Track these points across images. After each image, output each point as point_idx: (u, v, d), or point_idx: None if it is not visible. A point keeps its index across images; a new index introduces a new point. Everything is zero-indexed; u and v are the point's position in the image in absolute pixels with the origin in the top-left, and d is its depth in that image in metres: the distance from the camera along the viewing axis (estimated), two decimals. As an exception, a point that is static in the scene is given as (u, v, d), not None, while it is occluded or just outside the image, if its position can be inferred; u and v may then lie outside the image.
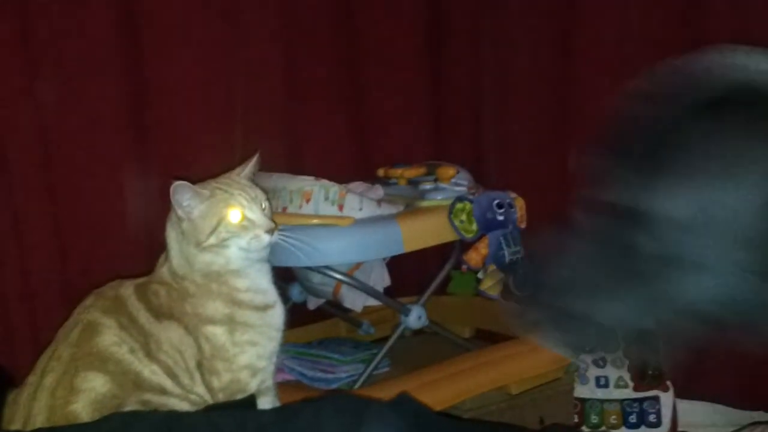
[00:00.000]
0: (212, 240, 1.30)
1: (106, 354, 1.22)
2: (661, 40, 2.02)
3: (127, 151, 1.76)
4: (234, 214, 1.31)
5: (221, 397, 1.28)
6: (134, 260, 1.71)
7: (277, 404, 1.30)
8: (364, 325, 2.05)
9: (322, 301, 1.94)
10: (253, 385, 1.30)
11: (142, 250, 1.76)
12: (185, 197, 1.30)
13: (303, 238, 1.41)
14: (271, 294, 1.38)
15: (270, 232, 1.33)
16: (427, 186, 1.82)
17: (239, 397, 1.28)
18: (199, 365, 1.28)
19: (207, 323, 1.30)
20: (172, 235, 1.35)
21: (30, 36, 1.62)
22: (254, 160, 1.43)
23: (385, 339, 1.80)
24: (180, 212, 1.31)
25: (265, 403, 1.31)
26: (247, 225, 1.32)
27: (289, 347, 1.55)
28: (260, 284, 1.36)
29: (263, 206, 1.36)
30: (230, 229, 1.30)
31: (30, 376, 1.25)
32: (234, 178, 1.38)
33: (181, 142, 1.80)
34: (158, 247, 1.52)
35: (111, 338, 1.23)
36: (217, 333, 1.30)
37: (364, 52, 2.15)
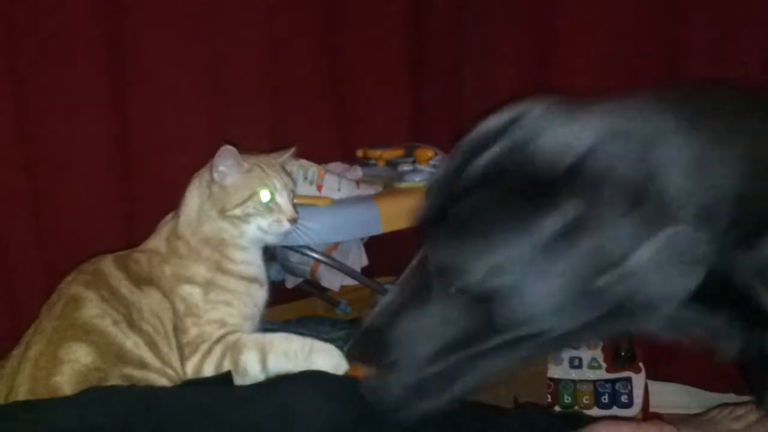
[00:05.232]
0: (237, 211, 1.34)
1: (89, 326, 1.23)
2: (641, 44, 2.06)
3: (108, 129, 1.75)
4: (265, 195, 1.36)
5: (186, 353, 1.29)
6: (115, 237, 1.71)
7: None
8: (342, 305, 2.06)
9: (300, 280, 1.95)
10: (218, 335, 1.30)
11: (123, 227, 1.76)
12: (226, 163, 1.34)
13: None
14: (262, 272, 1.42)
15: (292, 221, 1.37)
16: (406, 167, 1.83)
17: (202, 347, 1.29)
18: (176, 329, 1.30)
19: (184, 283, 1.32)
20: (194, 192, 1.38)
21: (9, 14, 1.61)
22: (292, 150, 1.49)
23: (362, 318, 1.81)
24: (215, 175, 1.35)
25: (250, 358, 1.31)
26: (273, 208, 1.36)
27: (266, 325, 1.56)
28: (255, 260, 1.40)
29: (291, 196, 1.40)
30: (258, 207, 1.35)
31: (14, 349, 1.26)
32: (272, 162, 1.42)
33: (164, 120, 1.80)
34: (141, 225, 1.53)
35: (94, 311, 1.24)
36: (194, 293, 1.32)
37: (345, 34, 2.14)
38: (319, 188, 1.66)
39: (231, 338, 1.30)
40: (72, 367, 1.19)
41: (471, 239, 0.88)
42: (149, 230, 1.42)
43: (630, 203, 0.81)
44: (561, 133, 0.87)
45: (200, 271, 1.33)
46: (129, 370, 1.22)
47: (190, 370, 1.28)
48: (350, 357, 1.04)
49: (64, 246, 1.69)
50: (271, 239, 1.39)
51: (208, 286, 1.33)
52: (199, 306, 1.32)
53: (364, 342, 1.00)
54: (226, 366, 1.28)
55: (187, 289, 1.32)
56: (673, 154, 0.83)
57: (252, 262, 1.39)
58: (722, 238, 0.83)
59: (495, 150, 0.89)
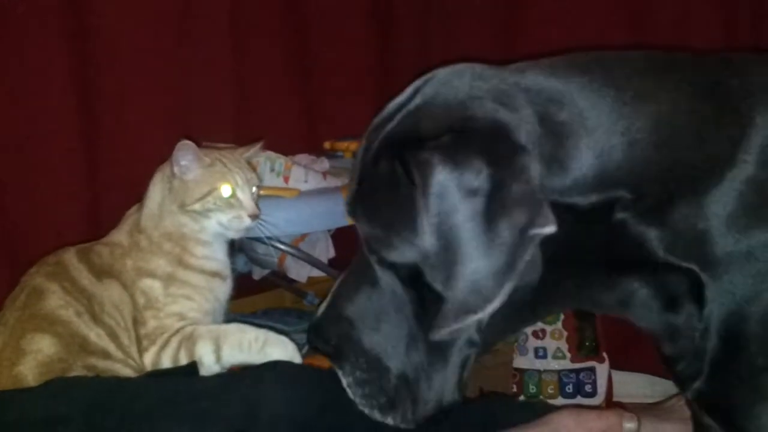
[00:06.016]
0: (197, 206, 1.33)
1: (53, 316, 1.22)
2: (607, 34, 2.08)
3: (72, 121, 1.74)
4: (225, 190, 1.35)
5: (145, 344, 1.29)
6: (80, 229, 1.70)
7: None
8: (309, 296, 2.07)
9: (267, 271, 1.95)
10: (176, 327, 1.30)
11: (87, 220, 1.75)
12: (186, 157, 1.33)
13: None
14: (225, 267, 1.41)
15: (253, 217, 1.36)
16: (373, 159, 1.84)
17: (160, 340, 1.29)
18: (135, 321, 1.30)
19: (145, 276, 1.32)
20: (157, 186, 1.37)
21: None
22: (258, 145, 1.48)
23: (330, 310, 1.81)
24: (176, 169, 1.34)
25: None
26: (234, 204, 1.35)
27: (233, 317, 1.57)
28: (218, 255, 1.40)
29: (253, 191, 1.39)
30: (218, 203, 1.34)
31: None
32: (236, 156, 1.41)
33: (128, 111, 1.79)
34: (105, 217, 1.52)
35: (57, 302, 1.24)
36: (154, 286, 1.32)
37: (312, 26, 2.15)
38: (286, 180, 1.67)
39: (187, 330, 1.30)
40: (35, 358, 1.18)
41: (376, 211, 0.89)
42: (113, 223, 1.42)
43: (524, 162, 0.79)
44: (452, 93, 0.86)
45: (161, 264, 1.33)
46: (93, 361, 1.22)
47: (147, 361, 1.29)
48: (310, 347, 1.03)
49: (28, 239, 1.68)
50: (232, 234, 1.39)
51: (168, 280, 1.33)
52: (159, 299, 1.32)
53: (316, 332, 1.01)
54: (182, 357, 1.28)
55: (147, 283, 1.32)
56: (577, 116, 0.83)
57: (214, 257, 1.38)
58: (627, 208, 0.84)
59: (394, 121, 0.89)
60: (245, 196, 1.37)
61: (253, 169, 1.45)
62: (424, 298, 0.88)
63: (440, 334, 0.82)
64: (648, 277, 0.89)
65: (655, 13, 2.11)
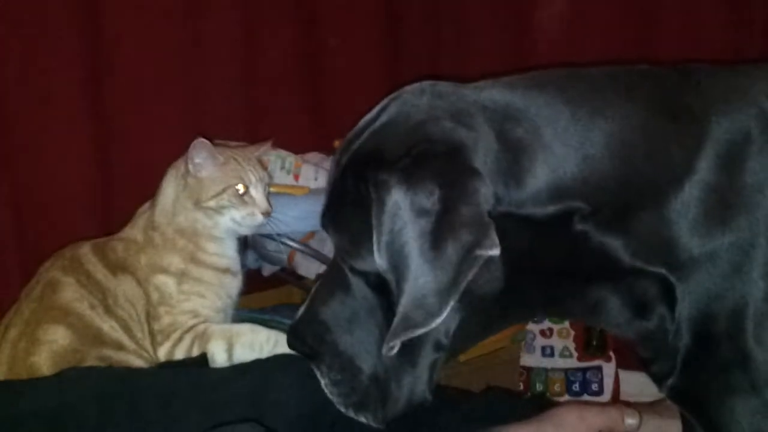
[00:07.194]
0: (212, 203, 1.36)
1: (67, 309, 1.25)
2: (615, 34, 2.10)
3: (85, 118, 1.76)
4: (240, 187, 1.37)
5: (159, 339, 1.32)
6: (93, 224, 1.73)
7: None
8: (318, 293, 2.08)
9: (276, 268, 1.97)
10: (189, 324, 1.33)
11: (100, 215, 1.78)
12: (201, 155, 1.36)
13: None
14: (235, 263, 1.44)
15: (265, 214, 1.40)
16: (382, 158, 1.85)
17: (174, 336, 1.32)
18: (148, 316, 1.32)
19: (159, 272, 1.34)
20: (171, 183, 1.40)
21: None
22: (268, 144, 1.51)
23: (338, 306, 1.82)
24: (191, 167, 1.36)
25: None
26: (248, 201, 1.38)
27: (242, 313, 1.59)
28: (228, 252, 1.42)
29: (266, 189, 1.42)
30: (232, 200, 1.37)
31: None
32: (248, 155, 1.44)
33: (139, 108, 1.81)
34: (118, 213, 1.54)
35: (72, 294, 1.27)
36: (168, 283, 1.35)
37: (322, 23, 2.17)
38: (296, 178, 1.69)
39: (200, 327, 1.33)
40: (50, 348, 1.21)
41: (344, 224, 0.92)
42: (126, 218, 1.44)
43: (475, 185, 0.82)
44: (414, 113, 0.89)
45: (174, 261, 1.36)
46: (106, 352, 1.25)
47: (161, 356, 1.31)
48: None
49: (42, 234, 1.70)
50: (244, 231, 1.42)
51: (182, 276, 1.35)
52: (173, 296, 1.34)
53: (295, 334, 1.03)
54: (195, 354, 1.31)
55: (161, 279, 1.34)
56: (533, 132, 0.86)
57: (224, 254, 1.41)
58: (586, 219, 0.86)
59: (361, 139, 0.92)
60: (258, 194, 1.40)
61: (264, 167, 1.48)
62: (392, 304, 0.90)
63: (389, 347, 0.85)
64: (616, 283, 0.92)
65: (664, 18, 2.12)
